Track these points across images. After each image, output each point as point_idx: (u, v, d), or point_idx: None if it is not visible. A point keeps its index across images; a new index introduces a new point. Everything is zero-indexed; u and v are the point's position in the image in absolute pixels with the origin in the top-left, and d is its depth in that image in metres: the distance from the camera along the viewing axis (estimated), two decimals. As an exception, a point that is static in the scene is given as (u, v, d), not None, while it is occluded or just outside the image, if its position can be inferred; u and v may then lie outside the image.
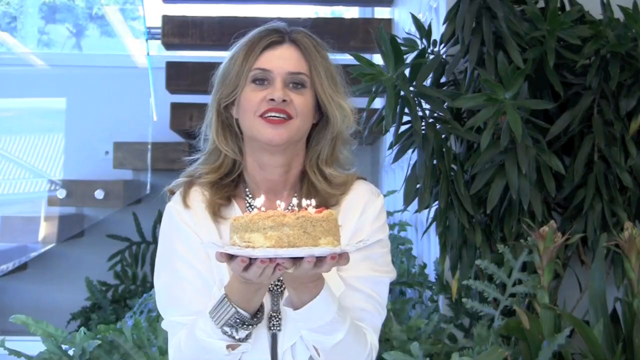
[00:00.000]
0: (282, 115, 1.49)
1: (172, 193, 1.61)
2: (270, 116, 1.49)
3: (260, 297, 1.40)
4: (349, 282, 1.51)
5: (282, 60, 1.53)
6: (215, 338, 1.40)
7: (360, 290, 1.52)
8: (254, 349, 1.46)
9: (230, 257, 1.27)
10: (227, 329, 1.39)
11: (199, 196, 1.57)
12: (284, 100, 1.49)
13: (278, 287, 1.53)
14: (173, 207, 1.58)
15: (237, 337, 1.39)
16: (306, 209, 1.27)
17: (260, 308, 1.42)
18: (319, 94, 1.55)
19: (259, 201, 1.30)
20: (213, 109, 1.59)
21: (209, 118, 1.60)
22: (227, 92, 1.55)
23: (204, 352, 1.43)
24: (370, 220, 1.57)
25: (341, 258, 1.27)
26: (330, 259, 1.25)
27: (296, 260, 1.26)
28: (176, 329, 1.51)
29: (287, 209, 1.37)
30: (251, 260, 1.26)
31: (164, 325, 1.56)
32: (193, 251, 1.53)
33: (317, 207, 1.29)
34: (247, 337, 1.41)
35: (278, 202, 1.30)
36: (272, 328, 1.50)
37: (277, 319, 1.51)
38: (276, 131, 1.49)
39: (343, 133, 1.59)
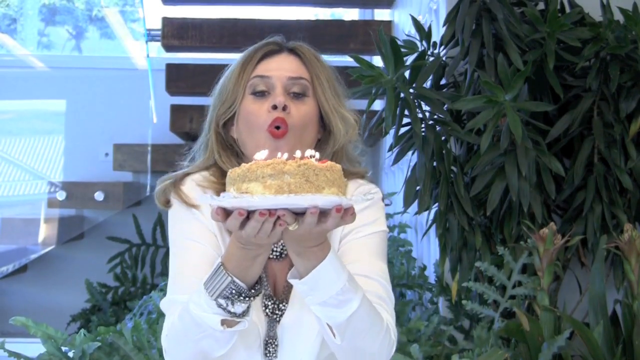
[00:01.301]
0: (283, 128, 1.42)
1: (167, 202, 1.52)
2: (276, 127, 1.42)
3: (259, 267, 1.28)
4: (355, 269, 1.39)
5: (281, 66, 1.48)
6: (209, 312, 1.27)
7: (369, 276, 1.41)
8: None
9: (227, 215, 1.16)
10: (222, 301, 1.26)
11: (202, 184, 1.49)
12: (284, 108, 1.42)
13: (276, 313, 1.45)
14: (176, 201, 1.50)
15: (232, 310, 1.27)
16: (309, 158, 1.16)
17: (259, 280, 1.30)
18: (322, 103, 1.49)
19: (261, 154, 1.19)
20: (211, 130, 1.52)
21: (207, 140, 1.53)
22: (226, 107, 1.49)
23: (197, 329, 1.30)
24: (367, 207, 1.48)
25: (346, 213, 1.15)
26: (335, 211, 1.14)
27: (298, 215, 1.15)
28: (173, 306, 1.39)
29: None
30: (249, 215, 1.15)
31: (161, 304, 1.44)
32: (203, 233, 1.45)
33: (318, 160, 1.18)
34: (244, 313, 1.29)
35: (279, 153, 1.19)
36: (268, 355, 1.43)
37: (274, 346, 1.43)
38: (277, 147, 1.40)
39: (347, 149, 1.52)
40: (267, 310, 1.46)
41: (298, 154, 1.17)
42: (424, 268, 2.97)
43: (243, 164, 1.15)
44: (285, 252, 1.48)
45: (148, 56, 4.67)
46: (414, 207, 2.44)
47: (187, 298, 1.32)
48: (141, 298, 3.43)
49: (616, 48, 2.41)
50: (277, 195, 1.11)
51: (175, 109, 4.19)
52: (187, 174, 1.53)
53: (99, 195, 4.47)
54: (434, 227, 2.48)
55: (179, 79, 4.14)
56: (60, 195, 4.51)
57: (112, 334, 2.27)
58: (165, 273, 4.21)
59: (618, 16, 2.52)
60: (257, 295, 1.29)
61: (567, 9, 2.59)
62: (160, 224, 4.39)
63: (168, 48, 4.23)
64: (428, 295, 2.91)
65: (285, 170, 1.12)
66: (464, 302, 2.31)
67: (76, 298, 4.24)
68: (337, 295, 1.26)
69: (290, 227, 1.16)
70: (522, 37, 2.41)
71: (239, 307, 1.28)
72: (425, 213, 2.47)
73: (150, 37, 4.45)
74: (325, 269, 1.25)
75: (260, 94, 1.46)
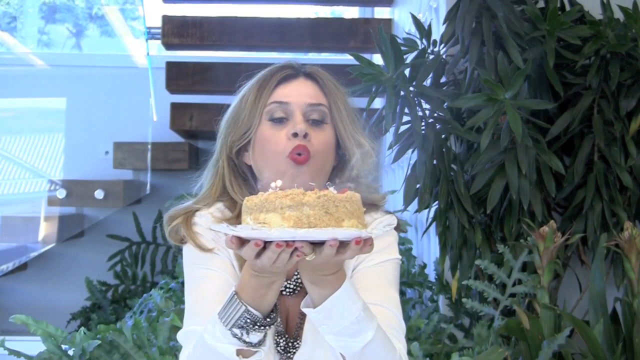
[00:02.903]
0: (304, 154, 1.38)
1: (181, 239, 1.47)
2: (298, 154, 1.38)
3: (273, 295, 1.25)
4: (367, 297, 1.35)
5: (299, 92, 1.44)
6: (224, 342, 1.24)
7: (381, 305, 1.39)
8: None
9: (242, 244, 1.13)
10: (236, 330, 1.23)
11: (209, 219, 1.44)
12: (305, 135, 1.38)
13: (288, 350, 1.43)
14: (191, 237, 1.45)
15: (247, 340, 1.24)
16: (327, 189, 1.14)
17: (274, 309, 1.27)
18: (339, 130, 1.45)
19: (276, 184, 1.17)
20: (223, 156, 1.47)
21: (217, 168, 1.48)
22: (240, 134, 1.44)
23: (213, 359, 1.27)
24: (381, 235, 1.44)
25: (365, 244, 1.13)
26: (355, 243, 1.12)
27: (316, 245, 1.13)
28: (189, 338, 1.36)
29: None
30: (266, 245, 1.12)
31: (179, 336, 1.41)
32: (220, 262, 1.42)
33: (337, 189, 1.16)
34: (260, 343, 1.26)
35: (296, 185, 1.17)
36: None
37: None
38: (297, 173, 1.38)
39: (362, 176, 1.47)
40: (279, 348, 1.43)
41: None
42: (424, 266, 2.97)
43: (260, 193, 1.13)
44: (298, 289, 1.46)
45: (148, 54, 4.67)
46: (414, 205, 2.44)
47: (201, 330, 1.30)
48: (141, 296, 3.43)
49: (616, 46, 2.41)
50: (296, 228, 1.09)
51: (176, 107, 4.19)
52: (197, 209, 1.47)
53: (99, 194, 4.46)
54: (434, 225, 2.48)
55: (179, 77, 4.13)
56: (61, 194, 4.51)
57: (112, 332, 2.27)
58: (165, 271, 4.21)
59: (618, 14, 2.52)
60: (273, 324, 1.27)
61: (567, 7, 2.59)
62: (161, 222, 4.38)
63: (168, 46, 4.23)
64: (428, 293, 2.91)
65: (304, 202, 1.10)
66: (464, 300, 2.31)
67: (76, 296, 4.24)
68: (351, 325, 1.25)
69: (307, 257, 1.13)
70: (522, 35, 2.41)
71: (254, 337, 1.25)
72: (426, 211, 2.47)
73: (150, 35, 4.45)
74: (340, 298, 1.23)
75: (279, 121, 1.42)
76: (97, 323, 3.45)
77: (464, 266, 2.45)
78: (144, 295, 3.05)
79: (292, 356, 1.42)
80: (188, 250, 1.45)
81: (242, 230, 1.12)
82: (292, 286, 1.45)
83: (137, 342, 2.29)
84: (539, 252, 2.22)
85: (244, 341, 1.24)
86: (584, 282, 2.58)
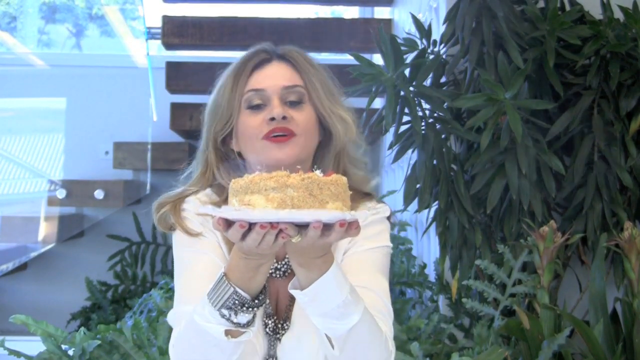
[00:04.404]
0: (284, 134, 1.42)
1: (170, 227, 1.50)
2: (275, 136, 1.42)
3: (261, 278, 1.26)
4: (356, 281, 1.37)
5: (274, 77, 1.47)
6: (213, 322, 1.26)
7: (370, 288, 1.41)
8: None
9: (229, 226, 1.14)
10: (225, 311, 1.25)
11: (197, 205, 1.47)
12: (284, 118, 1.42)
13: (277, 331, 1.45)
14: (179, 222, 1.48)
15: (235, 320, 1.25)
16: (312, 171, 1.15)
17: (263, 290, 1.28)
18: (318, 108, 1.48)
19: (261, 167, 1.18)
20: (210, 146, 1.51)
21: (205, 157, 1.52)
22: (222, 124, 1.48)
23: (202, 339, 1.29)
24: (373, 223, 1.48)
25: (351, 227, 1.13)
26: (339, 225, 1.12)
27: (301, 228, 1.14)
28: (179, 317, 1.38)
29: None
30: (251, 226, 1.13)
31: (169, 317, 1.44)
32: (209, 245, 1.44)
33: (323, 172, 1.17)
34: (249, 323, 1.27)
35: (282, 167, 1.19)
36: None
37: None
38: (282, 151, 1.41)
39: (348, 149, 1.51)
40: (268, 329, 1.44)
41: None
42: (424, 266, 2.97)
43: (246, 175, 1.14)
44: (289, 271, 1.47)
45: (148, 54, 4.67)
46: (414, 205, 2.44)
47: (191, 309, 1.31)
48: (141, 296, 3.42)
49: (616, 46, 2.41)
50: (279, 209, 1.10)
51: (175, 107, 4.19)
52: (186, 195, 1.50)
53: (99, 194, 4.46)
54: (434, 225, 2.48)
55: (179, 77, 4.14)
56: (60, 194, 4.51)
57: (112, 332, 2.27)
58: (165, 271, 4.21)
59: (618, 14, 2.52)
60: (261, 306, 1.28)
61: (567, 7, 2.59)
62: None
63: (168, 46, 4.23)
64: (428, 294, 2.91)
65: (288, 184, 1.11)
66: (464, 300, 2.31)
67: (76, 296, 4.24)
68: (338, 308, 1.26)
69: (293, 239, 1.14)
70: (522, 35, 2.41)
71: (242, 318, 1.26)
72: (426, 211, 2.47)
73: (150, 35, 4.45)
74: (328, 281, 1.24)
75: (257, 107, 1.46)
76: (97, 323, 3.46)
77: (464, 266, 2.45)
78: (144, 295, 3.05)
79: (280, 337, 1.44)
80: (177, 236, 1.48)
81: (226, 212, 1.12)
82: (282, 269, 1.47)
83: (137, 342, 2.29)
84: (539, 252, 2.22)
85: (232, 322, 1.26)
86: (584, 282, 2.58)
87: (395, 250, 3.12)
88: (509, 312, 2.38)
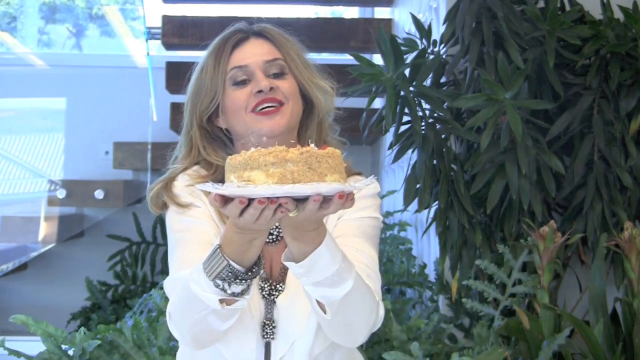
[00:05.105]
0: (274, 104, 1.48)
1: (163, 205, 1.55)
2: (263, 108, 1.47)
3: (256, 250, 1.27)
4: (346, 242, 1.44)
5: (254, 52, 1.53)
6: (208, 291, 1.27)
7: (360, 251, 1.45)
8: (246, 357, 1.42)
9: (226, 202, 1.15)
10: (219, 282, 1.26)
11: (185, 179, 1.52)
12: (271, 89, 1.48)
13: (272, 294, 1.49)
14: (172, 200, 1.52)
15: (229, 291, 1.27)
16: (308, 145, 1.16)
17: (257, 262, 1.29)
18: (298, 78, 1.54)
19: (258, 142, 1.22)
20: (194, 126, 1.55)
21: (189, 138, 1.57)
22: (207, 103, 1.52)
23: (197, 305, 1.31)
24: (366, 196, 1.53)
25: (347, 199, 1.15)
26: (337, 198, 1.14)
27: (298, 201, 1.14)
28: (175, 284, 1.42)
29: None
30: (250, 202, 1.13)
31: (165, 285, 1.46)
32: (202, 214, 1.48)
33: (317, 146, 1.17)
34: (243, 292, 1.29)
35: (277, 143, 1.21)
36: (265, 336, 1.46)
37: (271, 327, 1.46)
38: (273, 121, 1.47)
39: (326, 117, 1.59)
40: (264, 293, 1.48)
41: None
42: (424, 266, 2.97)
43: (243, 152, 1.14)
44: (281, 236, 1.51)
45: (148, 54, 4.67)
46: (414, 205, 2.44)
47: (188, 273, 1.33)
48: (141, 296, 3.43)
49: (616, 46, 2.41)
50: (282, 184, 1.10)
51: (176, 107, 4.18)
52: (176, 174, 1.56)
53: (99, 194, 4.47)
54: (434, 225, 2.48)
55: (179, 77, 4.10)
56: (61, 194, 4.51)
57: (112, 332, 2.27)
58: (165, 271, 4.21)
59: (618, 14, 2.52)
60: (254, 278, 1.29)
61: (567, 7, 2.59)
62: (161, 222, 4.38)
63: (168, 46, 4.23)
64: (428, 294, 2.91)
65: (287, 159, 1.11)
66: (464, 300, 2.31)
67: (76, 296, 4.24)
68: (332, 276, 1.27)
69: (290, 213, 1.15)
70: (522, 35, 2.41)
71: (236, 288, 1.27)
72: (426, 211, 2.47)
73: (150, 35, 4.45)
74: (321, 254, 1.25)
75: (242, 83, 1.51)
76: (97, 323, 3.46)
77: (464, 266, 2.45)
78: (144, 295, 3.04)
79: (275, 299, 1.48)
80: (170, 212, 1.53)
81: (227, 189, 1.12)
82: (275, 233, 1.53)
83: (137, 342, 2.29)
84: (539, 252, 2.22)
85: (226, 292, 1.27)
86: (584, 282, 2.58)
87: (395, 250, 3.13)
88: (509, 312, 2.38)
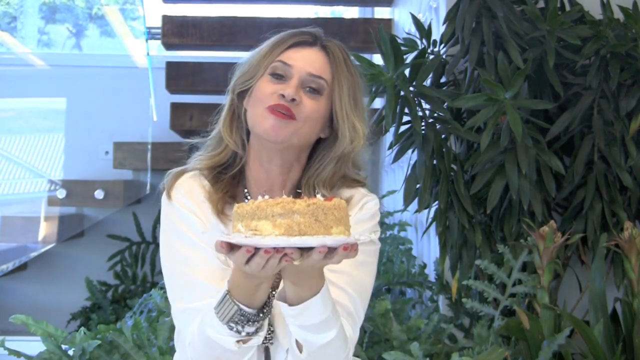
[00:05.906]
0: (285, 113, 1.45)
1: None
2: (276, 110, 1.45)
3: (264, 292, 1.32)
4: (334, 278, 1.44)
5: (306, 59, 1.50)
6: (224, 334, 1.32)
7: (344, 289, 1.45)
8: None
9: (232, 248, 1.18)
10: (232, 325, 1.31)
11: (196, 184, 1.52)
12: (293, 100, 1.45)
13: (269, 298, 1.47)
14: (174, 195, 1.52)
15: (243, 332, 1.32)
16: (315, 196, 1.19)
17: (267, 302, 1.34)
18: (335, 106, 1.50)
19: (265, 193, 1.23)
20: (228, 96, 1.56)
21: (227, 104, 1.57)
22: (244, 80, 1.52)
23: (215, 346, 1.35)
24: (367, 218, 1.53)
25: (351, 249, 1.18)
26: (342, 249, 1.17)
27: (303, 250, 1.17)
28: (190, 316, 1.42)
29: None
30: (256, 250, 1.17)
31: (174, 314, 1.48)
32: (199, 235, 1.47)
33: (323, 196, 1.22)
34: (257, 330, 1.34)
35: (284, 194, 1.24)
36: (264, 342, 1.45)
37: (270, 332, 1.46)
38: (277, 126, 1.44)
39: (354, 157, 1.55)
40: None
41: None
42: (424, 266, 2.97)
43: (251, 201, 1.17)
44: None
45: (148, 54, 4.67)
46: (414, 205, 2.44)
47: (200, 306, 1.38)
48: (141, 296, 3.42)
49: (616, 46, 2.41)
50: (289, 235, 1.14)
51: (176, 107, 4.19)
52: (188, 169, 1.58)
53: (99, 194, 4.47)
54: (434, 225, 2.48)
55: (179, 77, 4.13)
56: (61, 194, 4.51)
57: (112, 332, 2.27)
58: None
59: (618, 14, 2.52)
60: (266, 318, 1.34)
61: (567, 7, 2.59)
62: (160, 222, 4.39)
63: (168, 46, 4.23)
64: (428, 294, 2.90)
65: (294, 210, 1.14)
66: (464, 300, 2.30)
67: (76, 296, 4.24)
68: (320, 324, 1.32)
69: (295, 262, 1.18)
70: (522, 35, 2.41)
71: (249, 329, 1.33)
72: (426, 211, 2.47)
73: (150, 35, 4.45)
74: (316, 303, 1.30)
75: (277, 77, 1.49)
76: (97, 323, 3.45)
77: (464, 266, 2.45)
78: (144, 295, 3.04)
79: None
80: (170, 209, 1.52)
81: (236, 238, 1.16)
82: None
83: (137, 342, 2.29)
84: (539, 252, 2.22)
85: (241, 333, 1.33)
86: (584, 282, 2.58)
87: (395, 250, 3.12)
88: (509, 312, 2.38)
